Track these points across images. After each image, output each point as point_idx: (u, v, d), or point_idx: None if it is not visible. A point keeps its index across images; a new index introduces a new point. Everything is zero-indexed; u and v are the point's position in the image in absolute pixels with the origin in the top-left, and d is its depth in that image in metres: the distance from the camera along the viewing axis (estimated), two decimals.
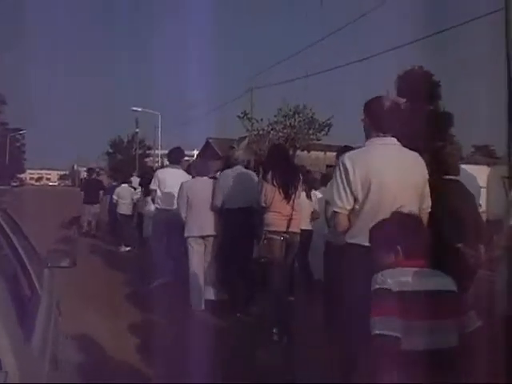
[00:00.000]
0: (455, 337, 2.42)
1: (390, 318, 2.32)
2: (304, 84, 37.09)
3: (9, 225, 3.25)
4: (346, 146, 6.19)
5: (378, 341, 2.33)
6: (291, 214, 5.86)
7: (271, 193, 5.84)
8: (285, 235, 5.84)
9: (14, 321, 2.01)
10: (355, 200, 3.35)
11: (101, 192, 15.16)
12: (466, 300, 2.59)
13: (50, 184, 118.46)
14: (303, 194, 6.99)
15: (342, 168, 3.38)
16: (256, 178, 6.98)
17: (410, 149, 3.57)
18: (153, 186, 8.39)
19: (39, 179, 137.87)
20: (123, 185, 13.80)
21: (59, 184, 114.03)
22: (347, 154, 3.45)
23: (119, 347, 5.22)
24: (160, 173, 8.61)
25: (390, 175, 3.35)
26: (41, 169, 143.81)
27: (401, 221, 2.77)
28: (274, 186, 5.83)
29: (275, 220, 5.85)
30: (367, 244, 2.95)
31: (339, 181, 3.39)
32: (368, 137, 3.55)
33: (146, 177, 12.24)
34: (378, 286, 2.43)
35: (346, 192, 3.35)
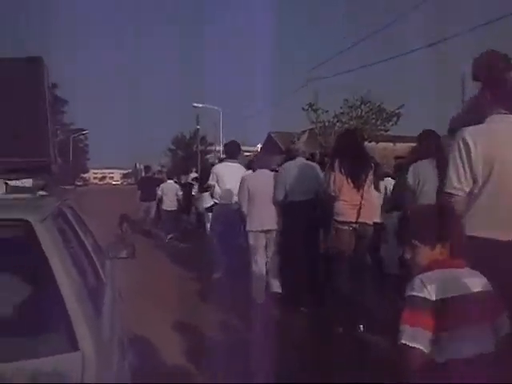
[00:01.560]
0: (493, 341, 2.33)
1: (422, 332, 2.24)
2: (370, 72, 36.57)
3: (76, 220, 3.54)
4: (426, 131, 5.94)
5: (404, 351, 2.27)
6: (360, 202, 5.83)
7: (340, 181, 5.82)
8: (355, 225, 5.82)
9: (88, 306, 2.23)
10: (474, 182, 3.09)
11: (157, 189, 15.53)
12: (501, 300, 2.41)
13: (114, 183, 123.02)
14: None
15: (461, 144, 3.10)
16: (318, 169, 7.04)
17: None
18: (211, 182, 8.54)
19: (103, 178, 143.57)
20: (168, 181, 14.43)
21: (122, 183, 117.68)
22: (467, 129, 3.16)
23: (178, 341, 5.50)
24: (217, 168, 8.76)
25: None
26: (104, 168, 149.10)
27: (450, 213, 2.65)
28: (342, 174, 5.82)
29: (344, 209, 5.83)
30: (494, 237, 2.81)
31: (458, 159, 3.11)
32: (482, 113, 3.27)
33: (203, 173, 13.24)
34: (414, 294, 2.30)
35: (465, 171, 3.08)
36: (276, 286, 7.07)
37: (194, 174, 16.72)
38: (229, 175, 8.26)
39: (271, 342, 5.14)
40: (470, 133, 3.12)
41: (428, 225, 2.49)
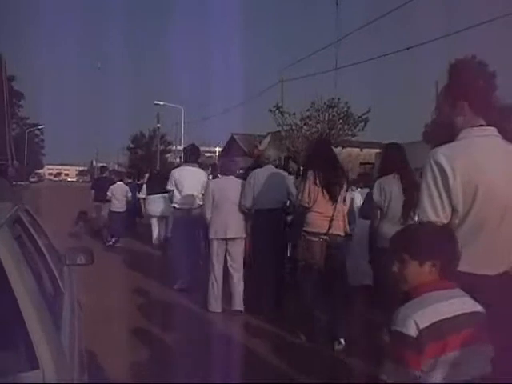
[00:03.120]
0: (487, 362, 2.29)
1: (403, 371, 2.18)
2: (338, 76, 36.99)
3: (31, 224, 3.48)
4: (390, 144, 6.19)
5: None
6: (333, 214, 5.85)
7: (315, 193, 5.81)
8: (325, 237, 5.81)
9: (47, 316, 2.19)
10: (453, 211, 2.72)
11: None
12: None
13: (69, 180, 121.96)
14: None
15: (435, 168, 2.72)
16: (288, 178, 7.12)
17: None
18: (169, 187, 8.57)
19: (58, 175, 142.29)
20: (118, 182, 14.43)
21: (78, 180, 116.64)
22: (440, 150, 2.76)
23: (137, 353, 5.43)
24: (176, 172, 8.77)
25: (499, 178, 2.72)
26: (60, 164, 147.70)
27: (445, 232, 2.51)
28: (317, 185, 5.81)
29: (316, 220, 5.83)
30: (472, 271, 2.58)
31: (432, 186, 2.73)
32: (457, 126, 2.87)
33: (154, 175, 14.24)
34: (398, 329, 2.22)
35: (441, 200, 2.71)
36: (238, 304, 6.99)
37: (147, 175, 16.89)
38: (188, 180, 8.34)
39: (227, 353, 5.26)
40: (444, 154, 2.73)
41: (420, 240, 2.43)
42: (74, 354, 2.56)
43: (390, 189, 5.60)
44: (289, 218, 7.44)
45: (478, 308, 2.33)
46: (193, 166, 8.68)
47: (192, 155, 8.95)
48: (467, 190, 2.68)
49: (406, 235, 2.56)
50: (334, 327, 5.71)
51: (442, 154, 2.73)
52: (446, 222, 2.71)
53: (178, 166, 9.01)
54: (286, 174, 7.28)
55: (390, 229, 5.44)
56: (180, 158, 39.75)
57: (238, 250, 7.12)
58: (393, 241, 2.58)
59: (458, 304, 2.30)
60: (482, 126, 2.83)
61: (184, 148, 9.87)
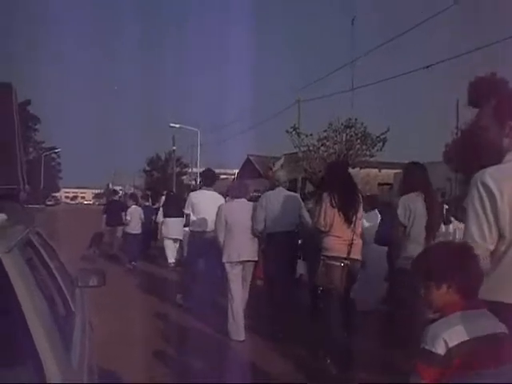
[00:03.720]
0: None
1: None
2: (355, 96, 37.22)
3: (43, 247, 3.59)
4: (413, 163, 6.10)
5: None
6: (352, 238, 5.79)
7: (331, 215, 5.75)
8: (346, 261, 5.72)
9: (56, 337, 2.27)
10: (500, 237, 2.63)
11: (123, 214, 15.35)
12: None
13: (85, 203, 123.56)
14: None
15: (482, 190, 2.63)
16: (299, 200, 7.17)
17: None
18: (186, 211, 8.82)
19: (74, 198, 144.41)
20: (133, 206, 14.60)
21: (94, 203, 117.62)
22: (488, 171, 2.67)
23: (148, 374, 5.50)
24: (193, 196, 9.03)
25: None
26: (76, 187, 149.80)
27: (450, 251, 2.53)
28: (334, 207, 5.75)
29: (335, 245, 5.75)
30: None
31: (479, 209, 2.63)
32: (503, 147, 2.78)
33: (169, 197, 14.78)
34: (426, 347, 2.30)
35: (489, 224, 2.61)
36: (237, 334, 6.87)
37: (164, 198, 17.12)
38: (204, 203, 8.54)
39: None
40: (492, 176, 2.64)
41: (432, 263, 2.45)
42: (83, 372, 2.64)
43: (415, 206, 5.54)
44: (299, 241, 7.47)
45: (505, 330, 2.35)
46: (209, 190, 8.91)
47: (207, 179, 9.21)
48: None
49: (423, 258, 2.58)
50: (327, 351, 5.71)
51: (490, 175, 2.64)
52: (491, 247, 2.62)
53: (194, 189, 9.20)
54: (297, 195, 7.37)
55: (414, 249, 5.43)
56: (195, 180, 40.07)
57: (249, 275, 7.20)
58: (413, 264, 2.63)
59: (486, 324, 2.33)
60: None
61: (201, 172, 10.12)
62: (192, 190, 13.57)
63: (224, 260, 7.13)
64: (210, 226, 8.33)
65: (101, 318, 5.38)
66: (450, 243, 2.67)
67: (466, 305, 2.38)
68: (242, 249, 7.05)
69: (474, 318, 2.34)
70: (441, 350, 2.24)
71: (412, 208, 5.52)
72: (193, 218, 8.64)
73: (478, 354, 2.24)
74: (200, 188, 9.53)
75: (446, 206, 10.02)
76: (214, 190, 9.13)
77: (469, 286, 2.40)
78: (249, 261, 7.12)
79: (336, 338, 5.69)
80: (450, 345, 2.23)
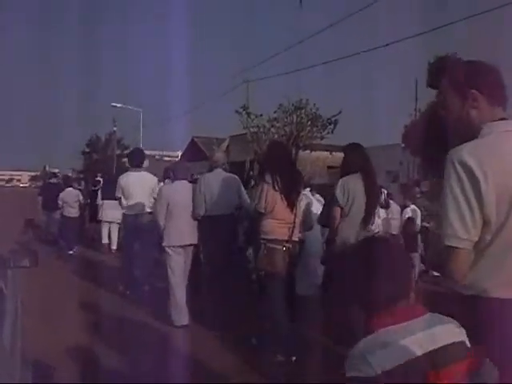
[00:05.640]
0: None
1: None
2: (307, 77, 37.40)
3: None
4: (353, 144, 6.15)
5: None
6: (294, 221, 5.91)
7: (273, 198, 5.80)
8: (287, 245, 5.84)
9: None
10: (485, 225, 2.30)
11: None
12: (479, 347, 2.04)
13: (21, 185, 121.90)
14: None
15: (461, 171, 2.28)
16: (239, 181, 7.28)
17: None
18: (117, 194, 8.90)
19: (10, 180, 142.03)
20: (67, 189, 14.67)
21: (30, 185, 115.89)
22: (465, 149, 2.33)
23: (81, 356, 5.72)
24: (121, 179, 9.01)
25: None
26: (11, 170, 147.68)
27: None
28: (276, 190, 5.80)
29: (276, 228, 5.81)
30: (506, 296, 2.27)
31: (459, 194, 2.28)
32: (471, 121, 2.49)
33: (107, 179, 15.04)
34: (352, 374, 1.95)
35: (472, 212, 2.27)
36: (180, 319, 7.05)
37: (97, 179, 17.60)
38: (134, 185, 8.70)
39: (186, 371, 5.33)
40: (471, 153, 2.30)
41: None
42: (15, 353, 2.79)
43: (354, 188, 5.72)
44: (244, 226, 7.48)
45: (456, 337, 2.02)
46: (138, 171, 9.00)
47: (134, 160, 9.25)
48: (502, 197, 2.27)
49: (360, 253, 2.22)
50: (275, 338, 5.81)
51: (468, 153, 2.29)
52: (476, 239, 2.29)
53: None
54: (236, 177, 7.35)
55: (350, 232, 5.68)
56: None
57: (189, 259, 7.33)
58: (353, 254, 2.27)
59: (422, 339, 1.96)
60: (503, 119, 2.47)
61: (128, 153, 10.12)
62: None
63: (165, 244, 7.20)
64: (142, 209, 8.60)
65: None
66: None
67: (402, 315, 2.03)
68: (183, 232, 7.15)
69: (408, 331, 1.98)
70: (363, 373, 1.90)
71: (351, 189, 5.71)
72: (124, 201, 8.75)
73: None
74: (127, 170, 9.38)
75: (384, 191, 10.38)
76: (153, 173, 9.27)
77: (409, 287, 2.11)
78: (190, 244, 7.24)
79: (278, 322, 5.80)
80: (372, 375, 1.88)
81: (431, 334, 1.97)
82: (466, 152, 2.29)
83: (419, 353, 1.91)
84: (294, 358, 5.70)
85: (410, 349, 1.91)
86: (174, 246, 7.17)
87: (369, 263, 2.09)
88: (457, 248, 2.27)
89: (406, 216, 11.46)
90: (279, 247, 5.79)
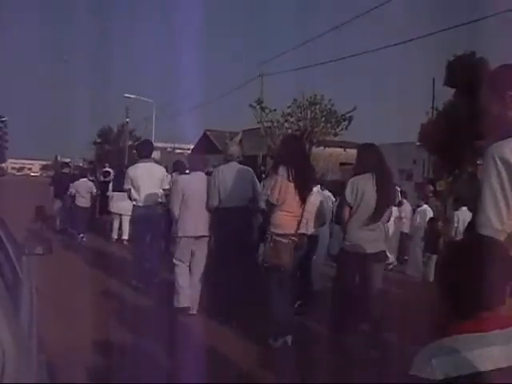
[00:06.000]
0: None
1: None
2: (321, 72, 37.31)
3: None
4: (366, 144, 6.28)
5: None
6: (302, 214, 6.04)
7: (286, 190, 5.89)
8: (293, 238, 5.95)
9: (7, 304, 2.43)
10: None
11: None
12: None
13: (32, 174, 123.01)
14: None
15: (501, 166, 2.45)
16: (253, 174, 7.33)
17: None
18: (126, 186, 8.91)
19: (21, 169, 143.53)
20: (81, 179, 14.96)
21: (41, 174, 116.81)
22: (507, 145, 2.51)
23: (95, 339, 5.79)
24: (130, 171, 9.06)
25: None
26: (23, 158, 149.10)
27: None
28: (290, 181, 5.88)
29: (286, 221, 5.92)
30: None
31: (498, 189, 2.46)
32: (503, 123, 2.66)
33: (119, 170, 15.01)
34: (415, 373, 1.90)
35: (507, 203, 2.46)
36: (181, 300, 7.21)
37: (106, 169, 17.64)
38: (143, 177, 8.71)
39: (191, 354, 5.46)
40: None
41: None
42: (32, 334, 2.86)
43: (364, 187, 5.78)
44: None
45: None
46: (147, 162, 9.01)
47: (142, 150, 9.29)
48: None
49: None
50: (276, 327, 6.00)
51: (510, 149, 2.46)
52: (509, 231, 2.44)
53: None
54: (250, 169, 7.42)
55: (356, 231, 5.81)
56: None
57: (204, 250, 7.35)
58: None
59: (488, 356, 1.83)
60: None
61: (137, 144, 10.13)
62: None
63: (180, 234, 7.27)
64: (152, 200, 8.63)
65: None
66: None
67: (474, 325, 1.91)
68: (198, 223, 7.22)
69: (477, 344, 1.86)
70: (426, 374, 1.85)
71: (360, 189, 5.79)
72: (134, 193, 8.77)
73: None
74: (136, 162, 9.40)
75: (398, 188, 10.38)
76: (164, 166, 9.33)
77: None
78: (204, 236, 7.29)
79: (281, 315, 5.97)
80: (436, 379, 1.82)
81: (508, 351, 1.83)
82: (508, 149, 2.46)
83: (490, 368, 1.80)
84: (290, 341, 5.93)
85: (480, 362, 1.81)
86: (187, 237, 7.23)
87: (476, 264, 1.93)
88: (491, 238, 2.32)
89: (418, 216, 11.47)
90: (285, 241, 5.89)
